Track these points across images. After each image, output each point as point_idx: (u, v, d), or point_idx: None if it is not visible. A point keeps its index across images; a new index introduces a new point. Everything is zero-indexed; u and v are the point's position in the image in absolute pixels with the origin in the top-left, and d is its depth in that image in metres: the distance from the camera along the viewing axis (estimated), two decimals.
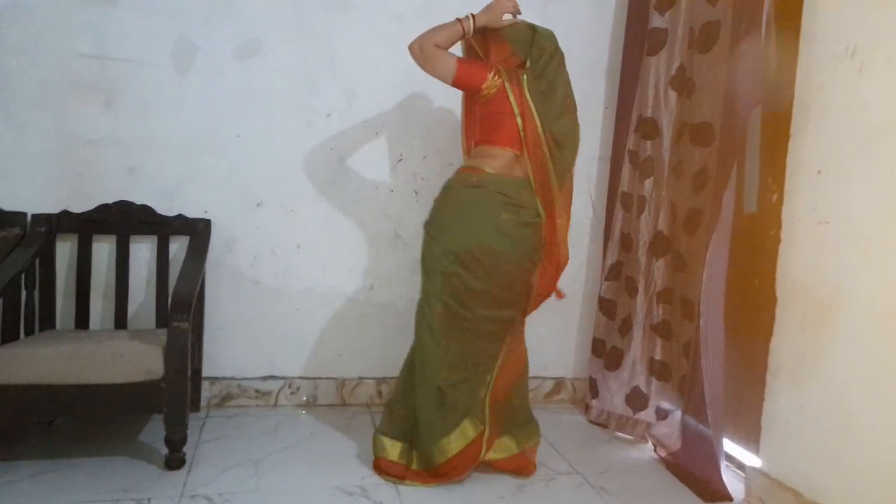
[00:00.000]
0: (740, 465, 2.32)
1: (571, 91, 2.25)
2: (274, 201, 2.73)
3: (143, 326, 2.60)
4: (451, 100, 2.64)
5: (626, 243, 2.78)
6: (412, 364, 2.24)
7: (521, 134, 2.13)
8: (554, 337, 3.09)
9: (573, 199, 2.31)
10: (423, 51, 2.12)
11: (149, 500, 1.97)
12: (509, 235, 2.12)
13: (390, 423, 2.28)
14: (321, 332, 2.83)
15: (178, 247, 2.63)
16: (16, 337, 2.35)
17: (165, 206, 2.59)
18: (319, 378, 2.85)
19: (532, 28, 2.20)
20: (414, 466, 2.19)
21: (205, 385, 2.70)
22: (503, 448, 2.28)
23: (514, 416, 2.31)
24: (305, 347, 2.83)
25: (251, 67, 2.64)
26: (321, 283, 2.81)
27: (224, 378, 2.75)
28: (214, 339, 2.70)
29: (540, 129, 2.13)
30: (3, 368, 1.99)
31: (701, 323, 2.22)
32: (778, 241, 2.14)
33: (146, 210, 2.56)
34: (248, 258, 2.74)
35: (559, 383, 3.12)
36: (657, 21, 2.60)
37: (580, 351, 3.10)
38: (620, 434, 2.73)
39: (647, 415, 2.64)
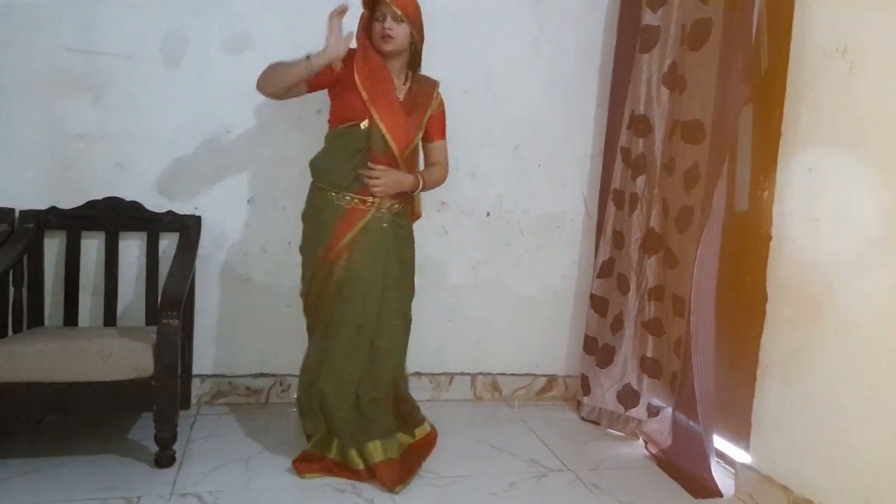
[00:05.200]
0: (731, 462, 2.33)
1: None
2: (264, 197, 2.71)
3: (133, 324, 2.58)
4: (445, 94, 2.62)
5: (618, 240, 2.78)
6: None
7: None
8: (546, 334, 3.10)
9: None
10: None
11: (139, 498, 1.96)
12: None
13: None
14: None
15: (168, 243, 2.61)
16: (4, 334, 2.33)
17: (155, 202, 2.57)
18: None
19: None
20: None
21: (195, 382, 2.69)
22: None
23: None
24: (296, 345, 2.79)
25: (242, 61, 2.61)
26: None
27: (214, 375, 2.74)
28: (205, 337, 2.69)
29: None
30: None
31: (692, 320, 2.23)
32: (769, 238, 2.15)
33: (135, 206, 2.54)
34: (239, 255, 2.72)
35: (551, 380, 3.12)
36: (649, 18, 2.60)
37: (572, 348, 3.11)
38: (612, 431, 2.73)
39: (639, 412, 2.65)
